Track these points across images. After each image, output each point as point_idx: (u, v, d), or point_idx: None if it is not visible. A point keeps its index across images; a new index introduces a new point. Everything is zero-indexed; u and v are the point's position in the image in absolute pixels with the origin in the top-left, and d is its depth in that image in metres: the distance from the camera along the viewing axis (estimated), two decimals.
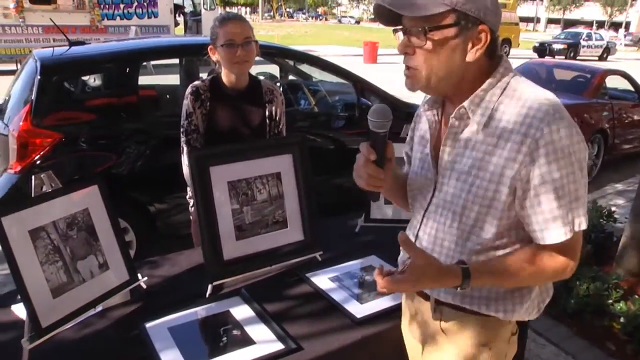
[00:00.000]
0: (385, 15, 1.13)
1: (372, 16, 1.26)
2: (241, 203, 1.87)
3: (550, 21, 63.65)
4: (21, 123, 3.20)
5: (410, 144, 1.43)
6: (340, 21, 64.44)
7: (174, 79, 5.38)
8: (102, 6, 12.86)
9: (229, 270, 1.82)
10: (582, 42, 26.74)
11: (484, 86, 1.14)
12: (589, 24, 48.23)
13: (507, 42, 25.49)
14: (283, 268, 1.94)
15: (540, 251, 1.15)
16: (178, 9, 17.33)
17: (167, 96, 4.84)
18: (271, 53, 4.51)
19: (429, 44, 1.08)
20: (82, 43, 4.15)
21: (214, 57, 2.18)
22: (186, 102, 2.19)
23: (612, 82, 7.25)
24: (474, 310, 1.25)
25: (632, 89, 7.24)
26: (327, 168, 4.10)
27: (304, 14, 71.99)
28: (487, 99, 1.14)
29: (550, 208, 1.09)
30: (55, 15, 10.74)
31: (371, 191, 1.25)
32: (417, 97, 1.64)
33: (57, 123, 3.31)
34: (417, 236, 1.32)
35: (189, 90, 2.20)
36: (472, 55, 1.10)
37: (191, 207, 2.41)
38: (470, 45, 1.10)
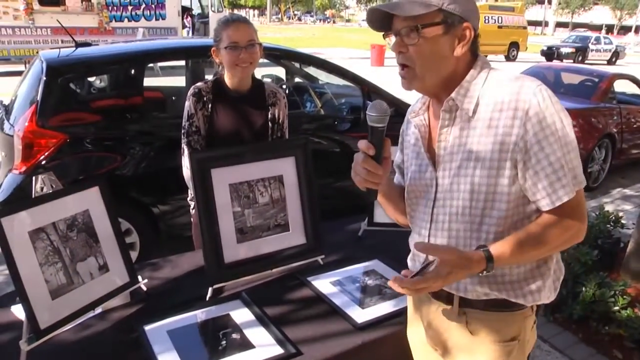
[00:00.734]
0: (377, 21, 1.26)
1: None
2: (243, 206, 1.85)
3: (559, 25, 63.35)
4: (26, 124, 3.21)
5: (400, 156, 1.49)
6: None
7: (180, 81, 5.40)
8: (110, 8, 12.95)
9: (230, 273, 1.81)
10: (591, 46, 26.61)
11: (467, 78, 1.24)
12: (597, 28, 47.92)
13: (515, 45, 25.44)
14: (284, 272, 1.92)
15: (550, 218, 1.19)
16: (186, 11, 17.40)
17: (173, 98, 4.85)
18: (277, 55, 4.51)
19: (421, 41, 1.19)
20: (88, 44, 4.17)
21: (217, 59, 2.17)
22: (188, 104, 2.18)
23: (621, 86, 7.20)
24: (501, 299, 1.27)
25: None
26: (332, 171, 4.09)
27: (311, 16, 72.09)
28: (472, 88, 1.24)
29: (552, 170, 1.15)
30: (64, 17, 10.83)
31: (369, 188, 1.27)
32: None
33: (62, 124, 3.31)
34: (429, 236, 1.33)
35: (191, 91, 2.19)
36: (459, 50, 1.21)
37: (192, 209, 2.40)
38: (456, 41, 1.21)
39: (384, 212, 2.31)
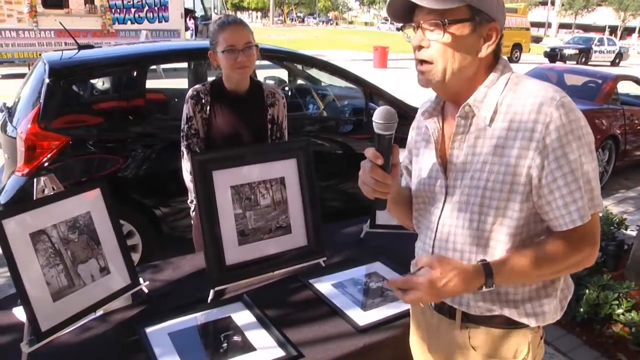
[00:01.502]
0: (398, 12, 1.17)
1: (384, 21, 1.25)
2: (244, 208, 1.85)
3: (562, 26, 63.22)
4: (29, 126, 3.22)
5: (409, 156, 1.43)
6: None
7: (183, 83, 5.40)
8: (113, 10, 12.99)
9: (231, 275, 1.81)
10: (594, 47, 26.54)
11: (486, 82, 1.17)
12: (601, 29, 47.82)
13: (518, 47, 25.40)
14: (286, 274, 1.92)
15: (560, 239, 1.13)
16: (188, 13, 17.43)
17: (175, 100, 4.86)
18: (280, 57, 4.51)
19: (446, 37, 1.11)
20: (90, 47, 4.18)
21: (215, 62, 2.17)
22: (186, 106, 2.18)
23: (624, 87, 7.17)
24: (504, 317, 1.23)
25: None
26: (335, 173, 4.09)
27: (314, 18, 72.17)
28: (491, 94, 1.16)
29: (569, 191, 1.09)
30: (68, 19, 10.88)
31: (378, 199, 1.21)
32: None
33: (64, 126, 3.32)
34: (433, 246, 1.28)
35: (189, 93, 2.19)
36: (484, 50, 1.14)
37: (192, 211, 2.40)
38: (482, 41, 1.14)
39: (386, 214, 2.31)
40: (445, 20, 1.10)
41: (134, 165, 3.49)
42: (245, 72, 2.14)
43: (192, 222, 2.47)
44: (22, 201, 2.79)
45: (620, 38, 47.90)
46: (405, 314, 1.59)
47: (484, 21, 1.12)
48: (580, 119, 1.10)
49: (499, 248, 1.17)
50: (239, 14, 44.79)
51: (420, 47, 1.15)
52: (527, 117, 1.10)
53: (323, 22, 70.96)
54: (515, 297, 1.22)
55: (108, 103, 3.88)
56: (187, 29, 16.53)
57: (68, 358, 1.48)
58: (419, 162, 1.34)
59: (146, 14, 13.49)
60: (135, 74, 3.64)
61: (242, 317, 1.66)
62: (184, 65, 5.28)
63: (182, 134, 2.20)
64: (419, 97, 1.31)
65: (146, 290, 1.77)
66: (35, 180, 1.53)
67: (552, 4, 59.79)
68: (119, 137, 3.48)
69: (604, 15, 55.43)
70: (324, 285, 1.86)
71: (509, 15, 25.56)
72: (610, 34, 39.64)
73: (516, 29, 25.49)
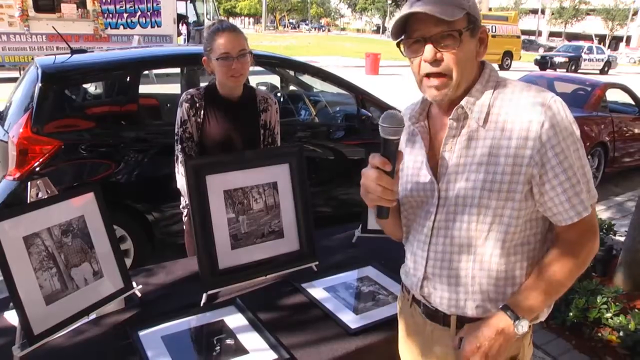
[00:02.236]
0: (399, 30, 1.17)
1: (375, 27, 1.26)
2: (237, 212, 1.86)
3: (552, 34, 63.88)
4: (21, 130, 3.21)
5: None
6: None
7: (175, 88, 5.41)
8: (105, 15, 12.95)
9: (224, 279, 1.81)
10: (584, 56, 26.86)
11: (477, 86, 1.20)
12: (589, 38, 48.32)
13: (509, 54, 25.63)
14: (278, 278, 1.93)
15: (563, 237, 1.19)
16: (181, 19, 17.43)
17: (168, 105, 4.86)
18: (272, 63, 4.53)
19: (460, 47, 1.13)
20: (83, 51, 4.18)
21: (209, 68, 2.18)
22: (180, 110, 2.19)
23: (613, 95, 7.26)
24: None
25: (632, 102, 7.26)
26: (326, 179, 4.10)
27: (306, 25, 72.39)
28: (483, 96, 1.19)
29: (570, 184, 1.13)
30: (59, 23, 10.82)
31: (380, 207, 1.18)
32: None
33: (57, 130, 3.31)
34: (428, 251, 1.28)
35: (183, 97, 2.20)
36: (482, 53, 1.19)
37: (184, 216, 2.40)
38: (479, 44, 1.19)
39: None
40: (462, 29, 1.12)
41: (126, 170, 3.49)
42: (240, 79, 2.15)
43: (184, 227, 2.48)
44: (14, 205, 2.77)
45: (610, 46, 48.49)
46: (396, 317, 1.60)
47: (477, 26, 1.16)
48: (569, 115, 1.14)
49: (497, 246, 1.19)
50: (231, 20, 44.78)
51: (435, 61, 1.13)
52: (521, 117, 1.12)
53: (315, 28, 71.20)
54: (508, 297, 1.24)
55: (101, 108, 3.87)
56: (179, 34, 16.52)
57: None
58: (405, 168, 1.32)
59: (139, 19, 13.46)
60: (128, 79, 3.64)
61: (235, 320, 1.67)
62: (177, 70, 5.29)
63: (176, 138, 2.21)
64: (408, 104, 1.32)
65: (139, 294, 1.77)
66: (29, 183, 1.53)
67: (543, 12, 60.41)
68: (112, 142, 3.48)
69: (593, 24, 56.09)
70: (316, 289, 1.88)
71: (500, 23, 25.84)
72: (599, 43, 40.05)
73: (507, 36, 25.74)
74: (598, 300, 3.09)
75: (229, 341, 1.56)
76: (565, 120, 1.12)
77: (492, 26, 25.06)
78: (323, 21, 77.44)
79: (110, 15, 13.05)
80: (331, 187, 4.24)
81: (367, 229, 2.30)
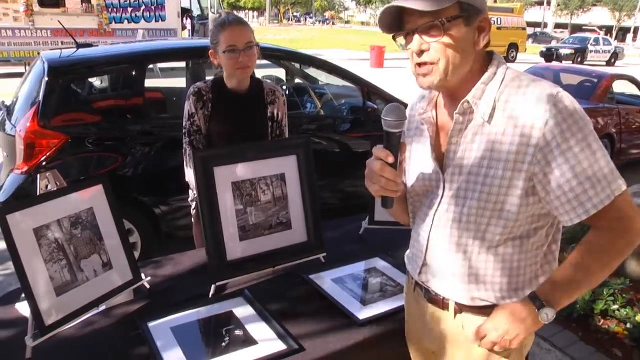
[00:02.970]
0: (388, 22, 1.18)
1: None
2: (245, 204, 1.87)
3: (558, 26, 63.40)
4: (28, 124, 3.23)
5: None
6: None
7: (180, 82, 5.42)
8: (110, 10, 12.98)
9: (232, 271, 1.82)
10: (590, 47, 26.64)
11: (483, 79, 1.18)
12: (593, 30, 47.92)
13: (515, 47, 25.48)
14: (286, 269, 1.94)
15: (596, 232, 1.16)
16: (185, 12, 17.43)
17: (174, 99, 4.87)
18: (278, 56, 4.53)
19: (445, 37, 1.13)
20: (89, 45, 4.19)
21: (216, 61, 2.18)
22: (188, 103, 2.19)
23: (620, 87, 7.22)
24: (497, 306, 1.25)
25: (639, 94, 7.21)
26: (333, 171, 4.10)
27: (311, 18, 72.14)
28: (489, 90, 1.18)
29: (578, 182, 1.09)
30: (64, 18, 10.85)
31: (385, 197, 1.21)
32: None
33: (63, 124, 3.33)
34: (428, 239, 1.30)
35: (190, 91, 2.20)
36: (481, 42, 1.17)
37: (193, 209, 2.41)
38: (477, 33, 1.16)
39: (384, 211, 2.34)
40: (444, 19, 1.11)
41: (133, 164, 3.50)
42: (247, 72, 2.16)
43: (192, 220, 2.48)
44: (23, 198, 2.79)
45: (616, 39, 48.07)
46: (403, 308, 1.61)
47: (474, 14, 1.14)
48: (579, 111, 1.10)
49: (497, 232, 1.19)
50: (235, 13, 44.64)
51: (421, 52, 1.15)
52: (526, 113, 1.11)
53: (320, 21, 70.94)
54: (509, 287, 1.25)
55: (107, 102, 3.89)
56: (184, 28, 16.52)
57: (72, 352, 1.49)
58: (412, 157, 1.35)
59: (143, 13, 13.48)
60: (134, 72, 3.65)
61: (244, 311, 1.67)
62: (182, 64, 5.29)
63: (184, 131, 2.21)
64: (415, 96, 1.32)
65: (148, 286, 1.78)
66: (39, 175, 1.55)
67: (548, 4, 59.94)
68: (118, 135, 3.49)
69: (600, 15, 55.62)
70: (324, 281, 1.88)
71: (506, 15, 25.65)
72: (606, 34, 39.72)
73: (512, 28, 25.58)
74: (605, 292, 3.08)
75: (237, 332, 1.57)
76: (572, 117, 1.09)
77: (497, 18, 24.89)
78: (327, 14, 77.11)
79: (115, 9, 13.08)
80: (337, 179, 4.24)
81: (375, 221, 2.30)
